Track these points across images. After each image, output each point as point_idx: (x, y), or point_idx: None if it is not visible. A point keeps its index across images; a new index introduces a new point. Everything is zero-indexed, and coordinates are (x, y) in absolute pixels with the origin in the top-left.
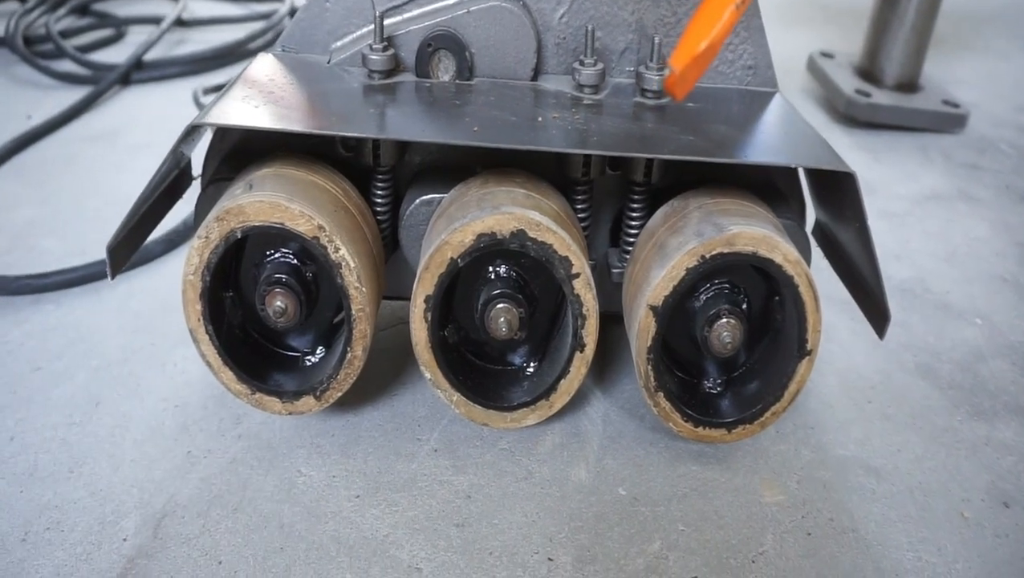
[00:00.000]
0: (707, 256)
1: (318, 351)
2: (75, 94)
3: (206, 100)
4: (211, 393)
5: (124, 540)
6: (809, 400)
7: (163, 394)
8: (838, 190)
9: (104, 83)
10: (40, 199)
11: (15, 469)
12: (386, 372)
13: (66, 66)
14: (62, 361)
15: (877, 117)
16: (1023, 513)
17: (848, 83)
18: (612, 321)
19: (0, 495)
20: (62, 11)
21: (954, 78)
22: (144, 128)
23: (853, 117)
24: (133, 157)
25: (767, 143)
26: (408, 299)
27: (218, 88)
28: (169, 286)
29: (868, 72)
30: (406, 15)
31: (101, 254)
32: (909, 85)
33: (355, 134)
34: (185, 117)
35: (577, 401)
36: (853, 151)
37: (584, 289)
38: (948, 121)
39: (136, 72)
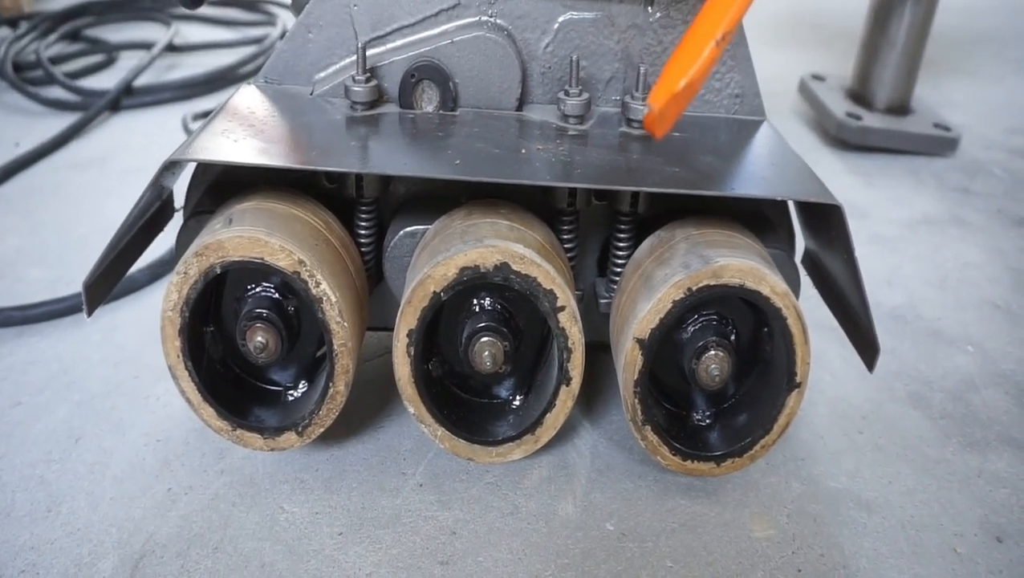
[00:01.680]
0: (694, 288)
1: (300, 385)
2: (64, 121)
3: (195, 126)
4: (193, 427)
5: None
6: (800, 430)
7: (145, 429)
8: (825, 220)
9: (93, 109)
10: (27, 228)
11: None
12: (371, 404)
13: (55, 93)
14: (43, 395)
15: (868, 140)
16: (1016, 548)
17: (839, 106)
18: (600, 351)
19: None
20: (53, 37)
21: (946, 101)
22: (134, 154)
23: (844, 140)
24: (122, 183)
25: (754, 174)
26: (392, 329)
27: (207, 114)
28: (153, 317)
29: (859, 95)
30: (389, 45)
31: None
32: (900, 108)
33: (337, 169)
34: (175, 143)
35: (565, 433)
36: (845, 175)
37: (570, 322)
38: (940, 144)
39: (126, 98)
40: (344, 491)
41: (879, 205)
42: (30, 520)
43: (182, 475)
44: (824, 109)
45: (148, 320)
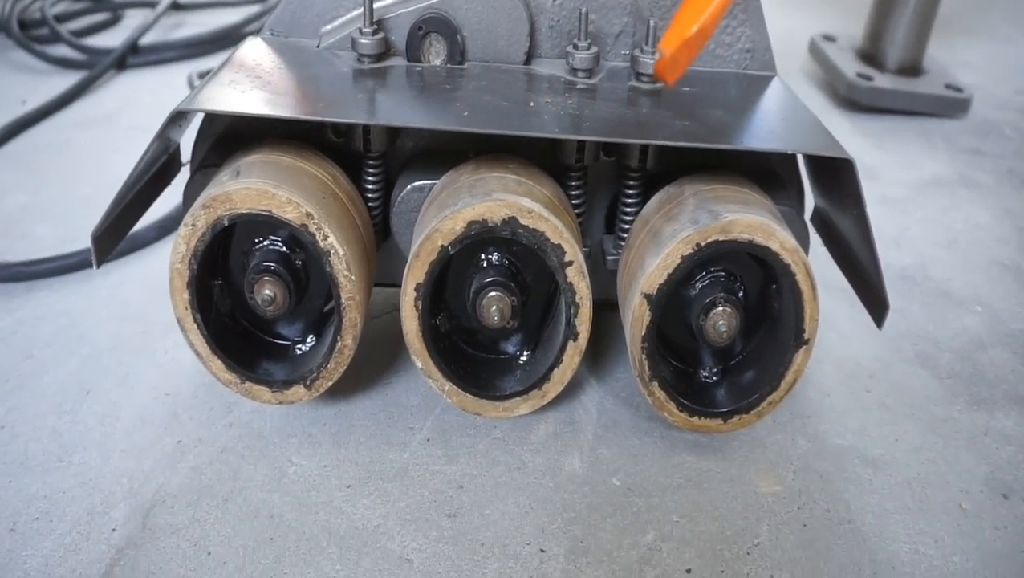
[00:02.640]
0: (702, 244)
1: (308, 339)
2: (70, 79)
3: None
4: (202, 381)
5: (113, 530)
6: (806, 389)
7: (153, 382)
8: (837, 177)
9: (99, 68)
10: (33, 186)
11: (5, 458)
12: (380, 360)
13: (61, 51)
14: (53, 349)
15: (879, 101)
16: (1022, 505)
17: (850, 66)
18: (607, 308)
19: None
20: None
21: (958, 61)
22: (139, 113)
23: (855, 101)
24: (128, 142)
25: (764, 129)
26: (400, 285)
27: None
28: (161, 273)
29: (870, 55)
30: None
31: None
32: (912, 69)
33: (344, 120)
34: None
35: (571, 389)
36: (854, 136)
37: (577, 277)
38: (951, 105)
39: (132, 56)
40: (352, 445)
41: (888, 167)
42: (43, 470)
43: (191, 428)
44: (834, 69)
45: (155, 276)
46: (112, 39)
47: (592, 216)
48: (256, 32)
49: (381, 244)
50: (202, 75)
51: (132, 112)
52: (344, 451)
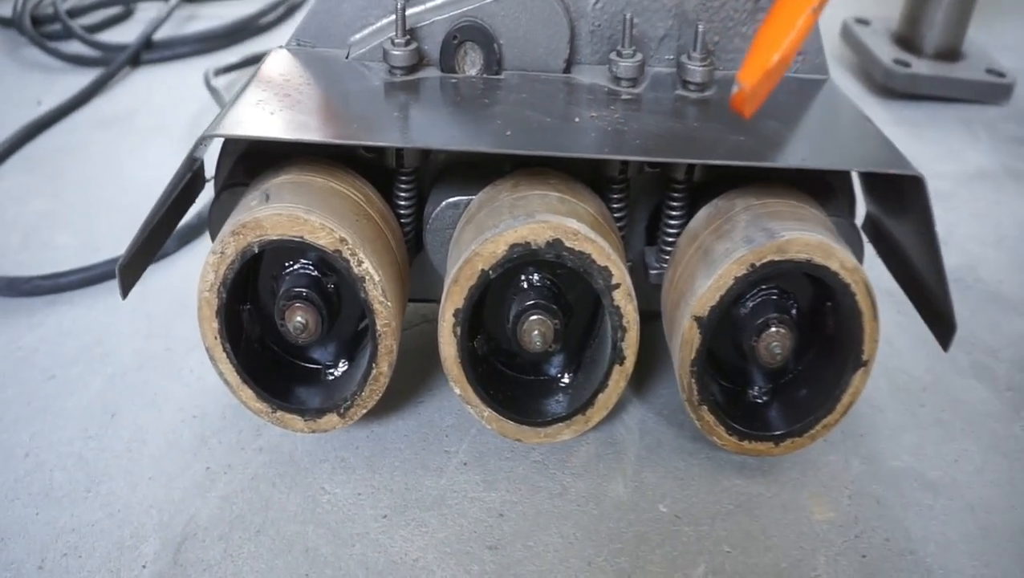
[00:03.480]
0: (757, 264)
1: (340, 364)
2: (84, 77)
3: (217, 82)
4: (229, 402)
5: (143, 567)
6: (858, 404)
7: (180, 404)
8: (899, 190)
9: (114, 65)
10: (52, 191)
11: (30, 489)
12: (410, 376)
13: (75, 47)
14: (77, 368)
15: (917, 88)
16: None
17: (886, 52)
18: (647, 319)
19: (16, 518)
20: None
21: (1000, 44)
22: (156, 111)
23: (891, 88)
24: (146, 142)
25: (824, 141)
26: (433, 301)
27: (229, 69)
28: (183, 285)
29: (907, 39)
30: (429, 4)
31: (115, 249)
32: (951, 53)
33: (379, 143)
34: (198, 100)
35: (620, 398)
36: (892, 125)
37: (625, 300)
38: (993, 92)
39: (146, 52)
40: (386, 470)
41: (929, 158)
42: (70, 501)
43: (220, 453)
44: (869, 55)
45: (177, 288)
46: (125, 34)
47: (633, 227)
48: (272, 25)
49: (413, 259)
50: (219, 71)
51: (148, 111)
52: (379, 477)
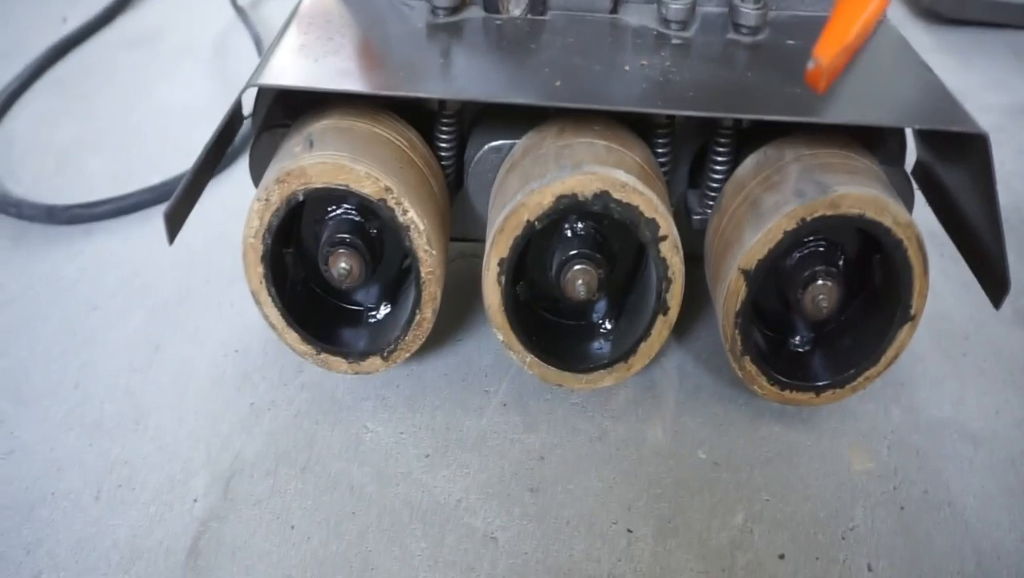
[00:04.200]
0: (808, 219)
1: (383, 306)
2: None
3: (242, 1)
4: (270, 337)
5: (195, 501)
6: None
7: (221, 338)
8: (957, 143)
9: None
10: (83, 114)
11: (83, 420)
12: (448, 313)
13: None
14: (118, 299)
15: (965, 13)
16: None
17: None
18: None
19: (71, 448)
20: None
21: None
22: (182, 31)
23: (937, 12)
24: (174, 64)
25: (882, 94)
26: (471, 240)
27: None
28: (219, 215)
29: None
30: None
31: (148, 175)
32: None
33: (424, 95)
34: (223, 19)
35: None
36: (937, 53)
37: (671, 252)
38: None
39: None
40: (427, 410)
41: (976, 89)
42: (120, 433)
43: (263, 389)
44: None
45: (214, 219)
46: None
47: (676, 169)
48: None
49: (453, 199)
50: None
51: (174, 29)
52: (419, 417)
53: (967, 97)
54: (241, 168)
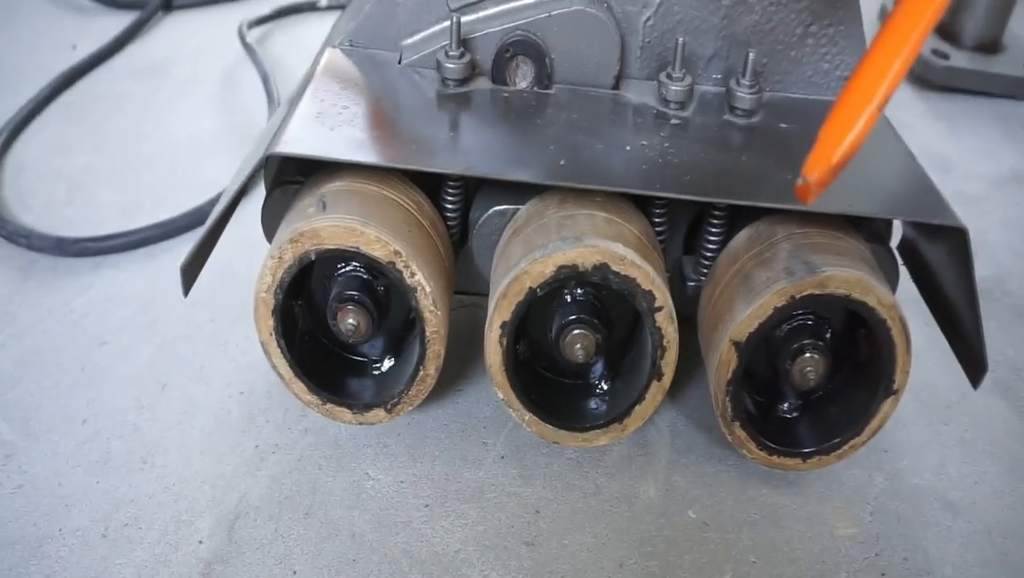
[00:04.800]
0: (797, 297)
1: (387, 359)
2: (117, 19)
3: (251, 37)
4: (274, 379)
5: (200, 542)
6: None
7: (227, 378)
8: (938, 228)
9: (147, 10)
10: (94, 143)
11: (90, 456)
12: (449, 363)
13: None
14: (126, 335)
15: (954, 81)
16: None
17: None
18: (681, 323)
19: (79, 485)
20: None
21: None
22: (191, 61)
23: (929, 80)
24: (183, 95)
25: (867, 183)
26: (473, 294)
27: (261, 21)
28: (226, 254)
29: (947, 29)
30: (482, 13)
31: (157, 208)
32: (991, 45)
33: (433, 169)
34: (231, 51)
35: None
36: (927, 119)
37: (666, 322)
38: None
39: None
40: (427, 459)
41: (964, 157)
42: (127, 471)
43: (268, 432)
44: None
45: (219, 256)
46: None
47: (673, 236)
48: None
49: (458, 256)
50: (252, 24)
51: (183, 60)
52: (420, 466)
53: (955, 165)
54: (248, 207)
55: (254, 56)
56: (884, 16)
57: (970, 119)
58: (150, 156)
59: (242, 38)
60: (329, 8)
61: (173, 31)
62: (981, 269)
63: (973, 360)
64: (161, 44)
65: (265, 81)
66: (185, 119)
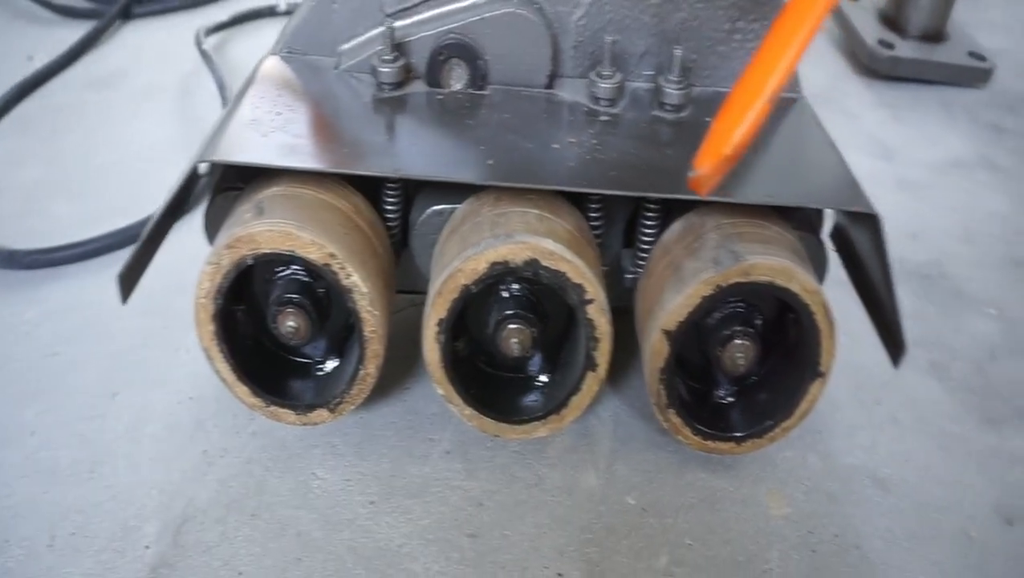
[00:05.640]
0: (723, 285)
1: (330, 360)
2: (74, 29)
3: (208, 44)
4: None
5: (146, 547)
6: (818, 402)
7: (178, 385)
8: (858, 215)
9: (105, 19)
10: (48, 156)
11: (38, 467)
12: (396, 363)
13: None
14: (78, 345)
15: (899, 71)
16: None
17: (871, 32)
18: (623, 315)
19: (26, 495)
20: None
21: (985, 21)
22: (149, 70)
23: (875, 70)
24: (140, 105)
25: (788, 173)
26: (416, 292)
27: (219, 28)
28: (178, 261)
29: (893, 20)
30: (416, 18)
31: (112, 220)
32: (935, 34)
33: (367, 172)
34: (188, 59)
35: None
36: (874, 108)
37: (598, 314)
38: (973, 75)
39: (136, 6)
40: (374, 457)
41: (907, 144)
42: (75, 481)
43: (216, 436)
44: (855, 35)
45: (172, 263)
46: None
47: (611, 229)
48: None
49: (399, 257)
50: (209, 31)
51: (141, 70)
52: (366, 464)
53: (898, 151)
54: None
55: (210, 63)
56: (836, 12)
57: (914, 107)
58: (107, 166)
59: (199, 45)
60: (288, 13)
61: (131, 40)
62: (920, 254)
63: (893, 341)
64: (119, 53)
65: (221, 88)
66: (143, 128)
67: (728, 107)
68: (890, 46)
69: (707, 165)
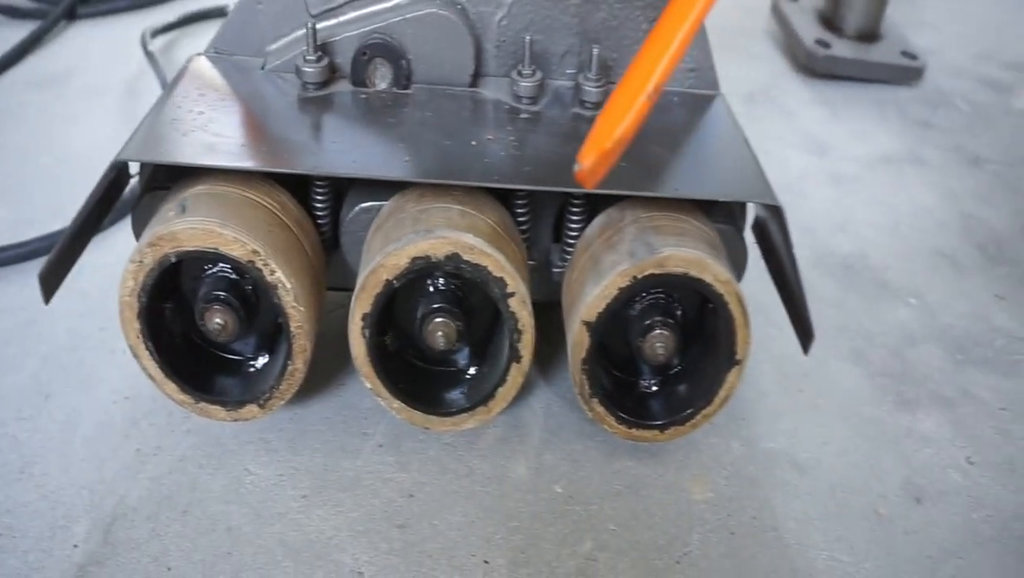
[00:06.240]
0: (639, 276)
1: (261, 356)
2: (19, 30)
3: (153, 46)
4: None
5: (75, 546)
6: (743, 389)
7: (113, 385)
8: (770, 210)
9: (50, 19)
10: None
11: None
12: (332, 359)
13: None
14: (12, 347)
15: (835, 70)
16: (933, 508)
17: (809, 31)
18: (557, 308)
19: None
20: None
21: (917, 22)
22: (94, 71)
23: (813, 69)
24: (84, 105)
25: (700, 168)
26: (350, 289)
27: (166, 29)
28: (118, 262)
29: (830, 20)
30: (341, 19)
31: (50, 222)
32: (870, 34)
33: (286, 170)
34: (134, 59)
35: (520, 391)
36: (812, 106)
37: (519, 307)
38: (905, 74)
39: (82, 6)
40: (307, 452)
41: (841, 141)
42: (4, 482)
43: (150, 435)
44: (794, 35)
45: (112, 264)
46: None
47: (539, 225)
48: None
49: (331, 255)
50: (156, 32)
51: (85, 70)
52: (300, 459)
53: (833, 148)
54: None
55: (155, 64)
56: (776, 11)
57: (850, 104)
58: (47, 168)
59: (144, 46)
60: None
61: (76, 41)
62: (846, 245)
63: (802, 328)
64: (63, 54)
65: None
66: (86, 130)
67: (611, 104)
68: (827, 45)
69: (590, 159)
